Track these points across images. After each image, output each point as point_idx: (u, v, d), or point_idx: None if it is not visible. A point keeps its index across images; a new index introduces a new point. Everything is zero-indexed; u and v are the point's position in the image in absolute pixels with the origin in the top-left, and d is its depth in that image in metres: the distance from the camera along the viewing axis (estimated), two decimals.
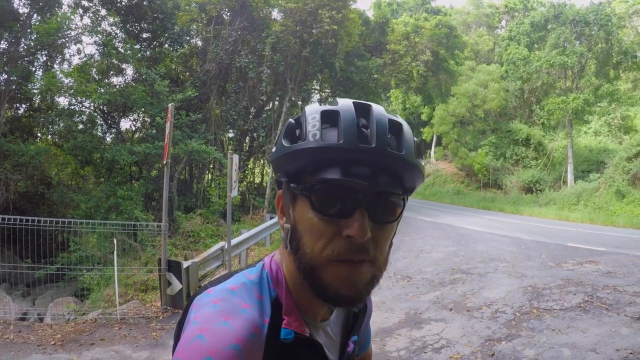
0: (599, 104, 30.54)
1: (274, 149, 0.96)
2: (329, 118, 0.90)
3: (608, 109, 30.90)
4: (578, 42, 31.01)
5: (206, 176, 21.38)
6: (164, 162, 7.89)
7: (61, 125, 16.84)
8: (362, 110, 0.92)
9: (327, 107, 0.93)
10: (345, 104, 0.93)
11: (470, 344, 6.04)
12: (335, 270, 0.88)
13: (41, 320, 8.59)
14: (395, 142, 0.91)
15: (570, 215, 24.83)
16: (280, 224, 1.01)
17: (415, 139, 0.96)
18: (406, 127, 0.94)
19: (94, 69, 18.23)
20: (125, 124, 20.97)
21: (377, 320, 6.98)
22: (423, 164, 0.96)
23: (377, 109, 0.93)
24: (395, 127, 0.92)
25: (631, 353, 5.50)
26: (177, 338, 0.97)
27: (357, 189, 0.86)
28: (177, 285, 7.89)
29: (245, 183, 21.88)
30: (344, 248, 0.87)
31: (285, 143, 0.92)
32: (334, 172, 0.87)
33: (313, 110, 0.93)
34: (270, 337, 0.91)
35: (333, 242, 0.87)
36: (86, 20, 17.56)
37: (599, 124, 34.10)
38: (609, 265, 10.60)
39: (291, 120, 0.95)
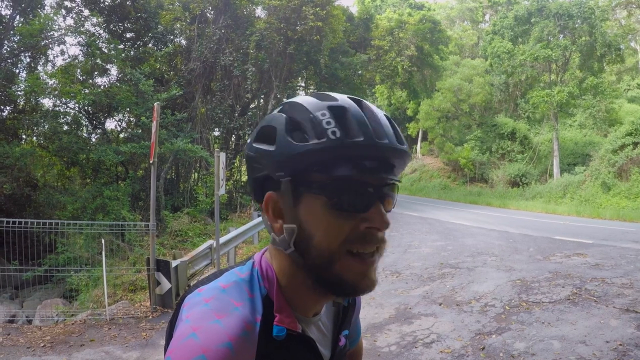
0: (583, 97, 30.80)
1: (271, 148, 0.90)
2: (337, 114, 0.88)
3: (592, 102, 31.12)
4: (562, 36, 31.28)
5: (192, 175, 21.32)
6: (151, 162, 7.83)
7: (46, 126, 16.71)
8: (360, 105, 0.92)
9: (330, 102, 0.90)
10: (342, 98, 0.93)
11: (460, 338, 6.07)
12: (351, 264, 0.89)
13: (30, 322, 8.51)
14: (398, 134, 0.93)
15: (557, 208, 25.07)
16: (273, 227, 0.96)
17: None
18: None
19: (78, 70, 18.09)
20: (110, 124, 20.94)
21: (367, 316, 6.99)
22: None
23: (369, 103, 0.94)
24: (390, 120, 0.94)
25: (620, 344, 5.55)
26: (168, 337, 0.97)
27: (372, 183, 0.88)
28: (166, 284, 7.86)
29: (231, 181, 21.83)
30: (362, 240, 0.89)
31: (295, 141, 0.87)
32: (348, 168, 0.86)
33: (316, 105, 0.89)
34: (262, 334, 0.90)
35: (351, 236, 0.88)
36: (69, 21, 17.55)
37: (583, 117, 34.38)
38: (596, 257, 10.72)
39: (284, 115, 0.91)
